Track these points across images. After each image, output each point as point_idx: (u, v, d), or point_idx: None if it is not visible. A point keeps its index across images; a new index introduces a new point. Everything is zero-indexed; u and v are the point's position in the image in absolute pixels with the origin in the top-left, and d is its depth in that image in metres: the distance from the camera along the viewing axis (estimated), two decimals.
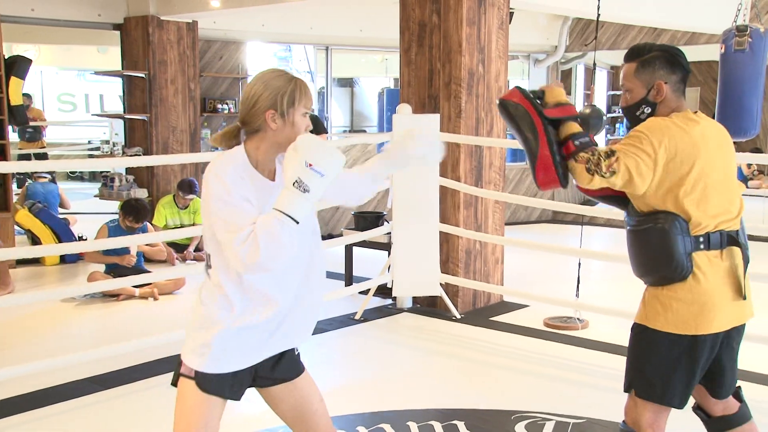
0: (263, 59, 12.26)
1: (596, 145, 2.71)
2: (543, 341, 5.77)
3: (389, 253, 6.34)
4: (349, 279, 7.27)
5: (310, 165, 2.21)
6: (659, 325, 2.72)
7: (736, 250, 2.75)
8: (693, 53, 5.95)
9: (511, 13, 9.34)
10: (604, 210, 11.26)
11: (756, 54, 4.79)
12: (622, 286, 7.76)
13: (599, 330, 5.99)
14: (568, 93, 12.27)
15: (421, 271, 6.15)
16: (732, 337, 2.81)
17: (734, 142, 5.71)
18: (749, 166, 15.63)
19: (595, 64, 6.39)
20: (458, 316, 6.35)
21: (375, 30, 10.54)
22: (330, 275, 6.45)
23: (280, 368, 2.60)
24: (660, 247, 2.66)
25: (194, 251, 8.58)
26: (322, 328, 5.91)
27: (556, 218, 11.78)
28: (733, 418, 2.95)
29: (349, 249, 7.25)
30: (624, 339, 5.59)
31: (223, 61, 10.13)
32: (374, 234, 6.57)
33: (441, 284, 6.31)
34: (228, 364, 2.46)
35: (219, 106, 10.00)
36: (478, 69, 6.47)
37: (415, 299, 6.70)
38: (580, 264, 6.22)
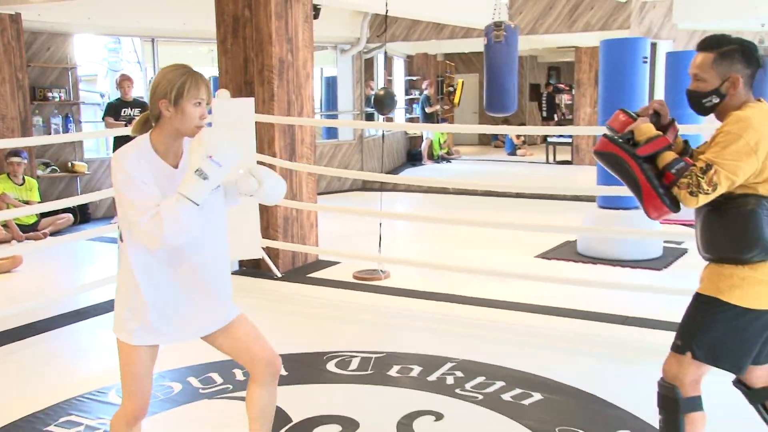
0: (92, 50, 11.59)
1: (692, 165, 2.47)
2: (352, 291, 5.92)
3: None
4: None
5: (210, 156, 2.29)
6: (734, 299, 2.53)
7: None
8: (471, 45, 6.24)
9: (318, 9, 9.38)
10: (404, 178, 11.66)
11: (510, 45, 5.12)
12: (417, 242, 8.13)
13: (399, 279, 6.21)
14: (371, 78, 12.49)
15: (244, 237, 6.11)
16: None
17: (496, 116, 6.07)
18: (518, 137, 16.62)
19: (386, 53, 6.54)
20: (279, 275, 6.37)
21: (197, 23, 10.20)
22: None
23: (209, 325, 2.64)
24: (747, 228, 2.47)
25: (33, 231, 8.07)
26: None
27: (366, 186, 12.01)
28: None
29: None
30: (418, 284, 5.93)
31: (51, 51, 9.48)
32: None
33: (263, 248, 6.31)
34: (147, 338, 2.51)
35: (49, 94, 9.36)
36: (288, 57, 6.46)
37: (240, 262, 6.66)
38: (381, 224, 6.42)
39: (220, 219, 2.61)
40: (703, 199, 2.44)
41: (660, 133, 2.57)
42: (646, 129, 2.58)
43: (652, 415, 3.47)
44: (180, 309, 2.54)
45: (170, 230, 2.28)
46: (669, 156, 2.51)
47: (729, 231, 2.51)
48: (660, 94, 9.69)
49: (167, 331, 2.54)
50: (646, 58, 6.83)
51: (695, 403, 2.65)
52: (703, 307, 2.62)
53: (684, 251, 7.06)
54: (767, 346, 2.62)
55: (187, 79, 2.41)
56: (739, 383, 2.81)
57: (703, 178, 2.41)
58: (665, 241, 7.11)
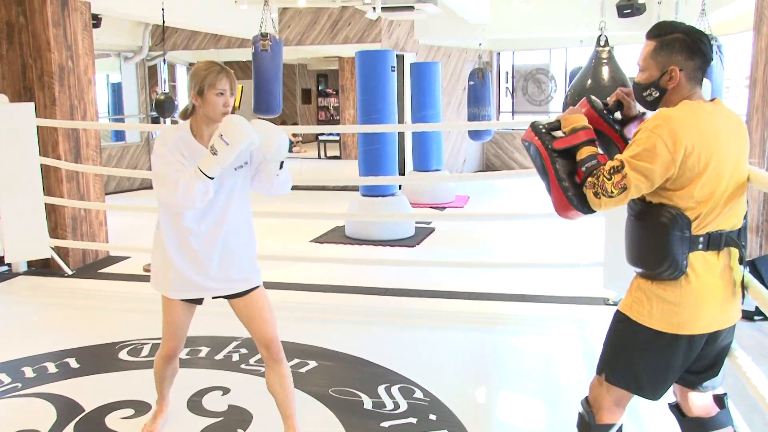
0: None
1: (605, 164, 2.00)
2: (143, 283, 5.52)
3: None
4: None
5: (221, 135, 2.36)
6: (642, 319, 2.04)
7: (734, 250, 2.04)
8: (248, 54, 6.07)
9: (100, 18, 8.67)
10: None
11: (275, 53, 5.07)
12: None
13: None
14: (156, 84, 11.81)
15: (30, 238, 5.51)
16: (720, 335, 2.08)
17: (268, 118, 6.01)
18: (294, 135, 16.66)
19: (165, 60, 6.20)
20: (70, 273, 5.83)
21: None
22: None
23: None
24: (658, 243, 1.97)
25: None
26: None
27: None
28: (709, 422, 2.20)
29: None
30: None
31: None
32: None
33: (52, 247, 5.73)
34: (179, 291, 2.64)
35: None
36: (68, 64, 5.89)
37: (30, 263, 6.00)
38: None
39: (245, 192, 2.66)
40: (607, 203, 1.97)
41: (587, 125, 2.10)
42: (573, 119, 2.12)
43: (406, 369, 3.65)
44: (203, 266, 2.58)
45: (183, 196, 2.39)
46: (586, 151, 2.04)
47: (642, 242, 2.04)
48: (408, 98, 10.17)
49: (194, 284, 2.61)
50: (394, 67, 7.13)
51: None
52: (618, 326, 2.13)
53: (432, 230, 7.49)
54: (709, 372, 2.14)
55: (209, 73, 2.48)
56: (675, 408, 2.30)
57: (609, 180, 1.95)
58: (417, 222, 7.50)
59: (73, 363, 3.84)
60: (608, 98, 2.24)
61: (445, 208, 9.14)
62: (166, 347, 2.82)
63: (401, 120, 10.19)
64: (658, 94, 2.04)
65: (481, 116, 9.87)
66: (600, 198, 1.96)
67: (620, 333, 2.11)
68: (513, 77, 13.39)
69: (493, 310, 4.81)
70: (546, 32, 10.48)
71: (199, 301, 2.75)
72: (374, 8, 7.05)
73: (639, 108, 2.19)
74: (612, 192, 1.94)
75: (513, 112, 13.46)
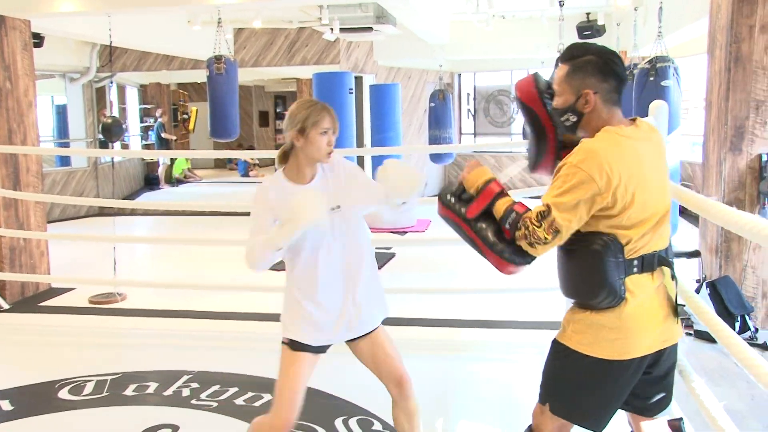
0: None
1: (525, 213, 1.97)
2: (87, 316, 5.46)
3: None
4: None
5: (291, 211, 2.33)
6: (583, 348, 2.04)
7: (666, 269, 2.07)
8: (202, 75, 6.09)
9: (43, 37, 8.57)
10: (141, 203, 11.08)
11: (230, 75, 5.10)
12: (155, 263, 7.75)
13: (136, 300, 5.86)
14: (104, 107, 11.68)
15: None
16: (663, 355, 2.10)
17: (223, 141, 5.99)
18: (252, 159, 16.62)
19: (112, 82, 6.16)
20: (6, 307, 5.68)
21: None
22: None
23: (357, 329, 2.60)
24: (592, 271, 1.97)
25: None
26: None
27: (103, 212, 11.18)
28: None
29: None
30: (155, 303, 5.64)
31: None
32: None
33: None
34: (308, 333, 2.55)
35: None
36: (6, 85, 5.81)
37: None
38: (115, 248, 6.01)
39: (360, 231, 2.60)
40: (545, 248, 1.96)
41: (489, 178, 2.08)
42: (474, 177, 2.09)
43: (364, 400, 3.65)
44: (329, 308, 2.54)
45: (250, 258, 2.47)
46: (501, 207, 2.02)
47: (576, 273, 2.05)
48: (367, 120, 10.25)
49: (324, 326, 2.54)
50: (352, 89, 7.21)
51: None
52: (557, 355, 2.14)
53: (392, 255, 7.52)
54: (658, 395, 2.15)
55: (312, 112, 2.44)
56: None
57: (539, 227, 1.93)
58: (376, 248, 7.51)
59: (5, 405, 3.73)
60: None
61: (405, 232, 9.19)
62: (277, 418, 2.50)
63: (360, 143, 10.26)
64: (575, 119, 2.05)
65: (442, 138, 10.00)
66: (536, 246, 1.95)
67: (561, 364, 2.11)
68: (475, 99, 13.62)
69: (455, 337, 4.84)
70: (506, 53, 10.71)
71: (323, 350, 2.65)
72: (332, 29, 7.13)
73: None
74: (546, 238, 1.93)
75: (475, 134, 13.67)
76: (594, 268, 1.97)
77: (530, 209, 1.98)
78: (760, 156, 4.60)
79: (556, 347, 2.14)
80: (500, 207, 2.02)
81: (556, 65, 2.10)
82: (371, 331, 2.62)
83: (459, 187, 2.12)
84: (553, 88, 2.11)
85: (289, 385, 2.50)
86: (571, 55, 2.05)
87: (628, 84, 4.10)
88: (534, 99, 2.15)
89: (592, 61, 2.01)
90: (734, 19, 4.54)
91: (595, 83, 2.00)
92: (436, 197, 2.19)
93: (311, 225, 2.32)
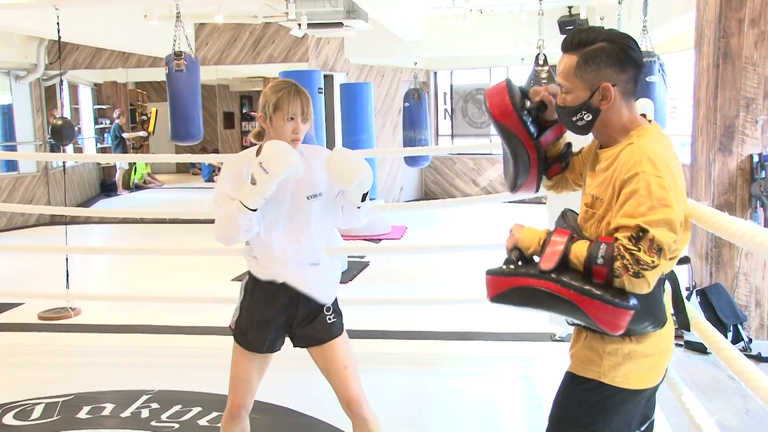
0: None
1: (613, 242, 1.70)
2: (37, 333, 5.32)
3: None
4: None
5: (260, 163, 2.31)
6: (619, 381, 1.84)
7: (672, 275, 1.97)
8: (161, 74, 5.97)
9: None
10: (96, 210, 10.93)
11: (192, 73, 5.02)
12: (112, 274, 7.60)
13: (91, 315, 5.72)
14: (54, 107, 11.46)
15: None
16: None
17: (186, 145, 5.92)
18: (217, 163, 16.46)
19: (63, 80, 6.04)
20: None
21: None
22: None
23: (311, 331, 2.60)
24: (643, 297, 1.72)
25: None
26: None
27: (55, 220, 10.96)
28: None
29: None
30: (112, 318, 5.51)
31: None
32: None
33: None
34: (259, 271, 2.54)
35: None
36: None
37: None
38: (67, 259, 5.88)
39: (323, 225, 2.58)
40: (653, 275, 1.68)
41: (546, 230, 1.85)
42: (529, 235, 1.85)
43: (335, 418, 3.59)
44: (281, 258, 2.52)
45: (223, 231, 2.40)
46: (581, 248, 1.74)
47: None
48: (339, 121, 10.20)
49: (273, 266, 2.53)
50: (321, 89, 7.15)
51: None
52: (587, 394, 1.90)
53: (366, 264, 7.47)
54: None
55: (280, 96, 2.42)
56: None
57: (639, 250, 1.67)
58: (349, 257, 7.47)
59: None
60: (529, 94, 2.04)
61: (380, 240, 9.15)
62: (231, 403, 2.66)
63: (331, 146, 10.20)
64: (591, 117, 1.85)
65: (417, 140, 9.98)
66: (642, 276, 1.67)
67: (593, 400, 1.89)
68: (452, 98, 13.64)
69: (432, 350, 4.80)
70: (485, 50, 10.73)
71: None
72: (299, 25, 7.07)
73: None
74: (653, 261, 1.67)
75: (452, 136, 13.69)
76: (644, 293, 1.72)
77: (617, 239, 1.71)
78: (751, 157, 4.63)
79: (576, 379, 1.92)
80: (580, 248, 1.74)
81: (567, 50, 1.87)
82: (326, 342, 2.60)
83: (513, 252, 1.85)
84: (555, 85, 1.96)
85: (236, 373, 2.63)
86: (579, 43, 1.83)
87: None
88: (508, 113, 1.97)
89: (606, 49, 1.80)
90: (722, 13, 4.58)
91: (612, 74, 1.81)
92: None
93: (289, 171, 2.33)
